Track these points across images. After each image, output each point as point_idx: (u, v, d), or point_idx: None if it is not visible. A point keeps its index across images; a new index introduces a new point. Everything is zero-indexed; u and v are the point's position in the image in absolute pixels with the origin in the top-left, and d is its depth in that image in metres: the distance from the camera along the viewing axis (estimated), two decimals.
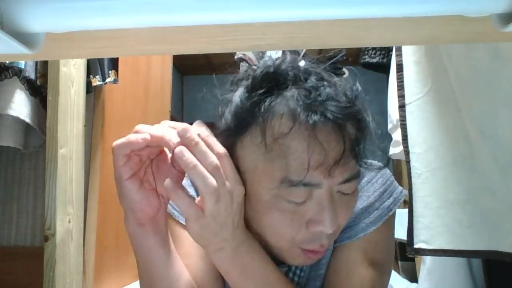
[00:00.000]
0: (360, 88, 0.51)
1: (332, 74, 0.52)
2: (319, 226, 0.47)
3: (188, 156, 0.45)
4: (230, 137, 0.49)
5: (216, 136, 0.48)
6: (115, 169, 0.48)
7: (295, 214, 0.47)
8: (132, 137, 0.46)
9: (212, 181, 0.44)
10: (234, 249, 0.49)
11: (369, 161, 0.53)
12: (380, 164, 0.58)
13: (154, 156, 0.51)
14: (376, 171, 0.60)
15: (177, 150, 0.45)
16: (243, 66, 0.55)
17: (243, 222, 0.50)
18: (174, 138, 0.46)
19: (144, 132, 0.46)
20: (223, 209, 0.45)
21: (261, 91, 0.48)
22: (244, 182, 0.48)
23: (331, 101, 0.46)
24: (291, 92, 0.47)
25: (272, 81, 0.48)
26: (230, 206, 0.46)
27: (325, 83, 0.48)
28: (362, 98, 0.51)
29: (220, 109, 0.53)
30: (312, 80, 0.48)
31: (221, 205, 0.45)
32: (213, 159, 0.45)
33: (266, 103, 0.47)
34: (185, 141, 0.45)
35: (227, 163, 0.46)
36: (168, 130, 0.47)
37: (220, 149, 0.46)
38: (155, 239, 0.51)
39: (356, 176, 0.48)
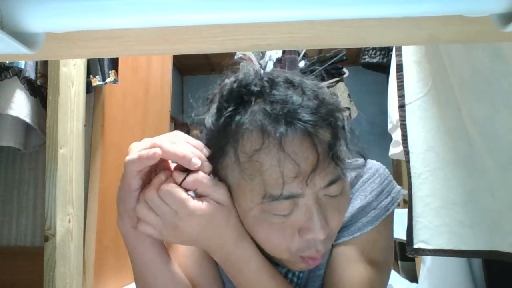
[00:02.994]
0: (326, 88, 0.51)
1: (302, 75, 0.51)
2: (310, 233, 0.47)
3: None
4: (213, 157, 0.49)
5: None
6: (125, 180, 0.47)
7: (285, 225, 0.47)
8: (144, 154, 0.45)
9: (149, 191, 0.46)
10: (229, 253, 0.50)
11: (349, 161, 0.52)
12: (362, 161, 0.58)
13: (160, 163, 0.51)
14: (357, 169, 0.59)
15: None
16: (243, 67, 0.55)
17: (238, 228, 0.50)
18: (196, 161, 0.46)
19: (158, 147, 0.46)
20: (185, 224, 0.47)
21: (229, 110, 0.47)
22: (232, 199, 0.49)
23: (299, 109, 0.45)
24: (257, 107, 0.46)
25: (237, 98, 0.48)
26: (222, 207, 0.48)
27: (290, 91, 0.47)
28: (332, 97, 0.50)
29: (197, 128, 0.53)
30: (279, 90, 0.47)
31: (211, 208, 0.47)
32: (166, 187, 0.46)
33: (235, 122, 0.46)
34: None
35: (205, 181, 0.47)
36: (187, 148, 0.47)
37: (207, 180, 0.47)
38: (149, 242, 0.51)
39: (338, 178, 0.48)
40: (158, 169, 0.50)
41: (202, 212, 0.46)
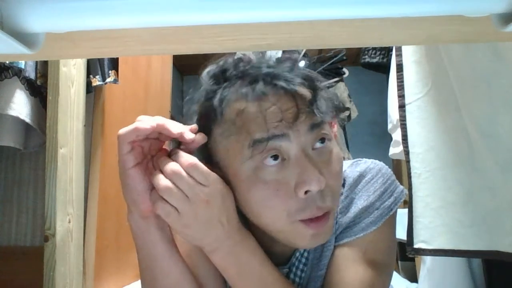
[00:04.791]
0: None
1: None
2: (305, 185, 0.47)
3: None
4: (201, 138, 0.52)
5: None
6: (119, 157, 0.49)
7: (279, 183, 0.48)
8: (138, 124, 0.48)
9: (163, 181, 0.46)
10: (230, 249, 0.49)
11: (350, 161, 0.55)
12: (364, 160, 0.61)
13: (155, 152, 0.51)
14: (362, 164, 0.61)
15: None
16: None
17: (237, 222, 0.50)
18: (176, 128, 0.49)
19: (147, 121, 0.49)
20: (200, 210, 0.46)
21: (213, 88, 0.52)
22: (224, 172, 0.50)
23: (276, 70, 0.50)
24: (240, 80, 0.51)
25: (219, 78, 0.53)
26: (208, 207, 0.47)
27: (271, 64, 0.52)
28: (308, 66, 0.54)
29: (187, 114, 0.56)
30: (257, 64, 0.52)
31: (195, 206, 0.46)
32: (170, 166, 0.47)
33: (218, 97, 0.50)
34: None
35: (199, 169, 0.47)
36: (169, 121, 0.50)
37: (187, 159, 0.48)
38: (158, 234, 0.51)
39: (321, 123, 0.50)
40: (152, 151, 0.51)
41: (221, 183, 0.48)
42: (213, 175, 0.48)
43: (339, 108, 0.55)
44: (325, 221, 0.49)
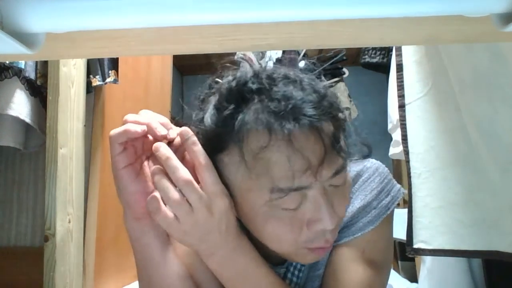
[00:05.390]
0: (325, 81, 0.52)
1: (298, 70, 0.52)
2: (319, 224, 0.47)
3: (156, 170, 0.47)
4: (210, 151, 0.48)
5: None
6: (111, 158, 0.49)
7: (293, 219, 0.47)
8: (128, 126, 0.47)
9: (174, 195, 0.45)
10: (226, 255, 0.49)
11: (352, 158, 0.53)
12: (363, 153, 0.59)
13: (150, 153, 0.51)
14: (361, 160, 0.60)
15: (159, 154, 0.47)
16: (243, 67, 0.55)
17: (235, 228, 0.50)
18: (163, 130, 0.48)
19: (131, 121, 0.48)
20: (202, 220, 0.45)
21: (230, 108, 0.47)
22: (232, 195, 0.48)
23: (302, 104, 0.45)
24: (260, 105, 0.46)
25: (237, 96, 0.47)
26: (210, 217, 0.46)
27: (290, 87, 0.47)
28: (327, 88, 0.50)
29: (191, 126, 0.52)
30: (279, 86, 0.47)
31: (198, 217, 0.45)
32: (183, 174, 0.45)
33: (238, 121, 0.46)
34: (156, 155, 0.47)
35: (207, 175, 0.46)
36: (157, 122, 0.49)
37: (202, 159, 0.46)
38: (153, 234, 0.51)
39: (343, 168, 0.48)
40: (146, 151, 0.51)
41: (209, 202, 0.46)
42: (221, 186, 0.47)
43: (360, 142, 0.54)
44: (329, 247, 0.51)
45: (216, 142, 0.48)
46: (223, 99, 0.48)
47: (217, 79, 0.54)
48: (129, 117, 0.49)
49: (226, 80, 0.50)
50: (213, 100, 0.50)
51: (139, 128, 0.47)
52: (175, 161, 0.46)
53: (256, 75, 0.49)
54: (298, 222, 0.47)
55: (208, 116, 0.50)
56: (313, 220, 0.47)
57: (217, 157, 0.48)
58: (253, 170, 0.46)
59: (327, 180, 0.47)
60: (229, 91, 0.48)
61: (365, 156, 0.57)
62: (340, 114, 0.49)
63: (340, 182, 0.49)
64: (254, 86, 0.47)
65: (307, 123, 0.44)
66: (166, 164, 0.46)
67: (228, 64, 0.55)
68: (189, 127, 0.49)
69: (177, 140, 0.49)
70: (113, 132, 0.48)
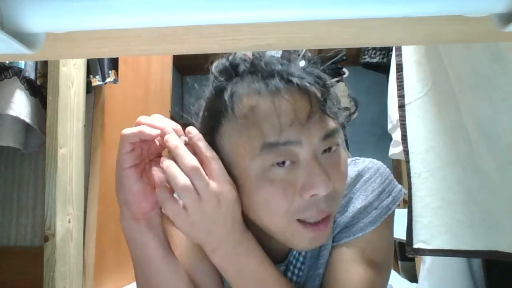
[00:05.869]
0: (314, 57, 0.54)
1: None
2: (312, 189, 0.46)
3: (165, 160, 0.48)
4: (209, 132, 0.51)
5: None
6: (118, 156, 0.49)
7: (286, 183, 0.47)
8: (144, 128, 0.48)
9: (182, 180, 0.45)
10: (231, 249, 0.49)
11: (349, 160, 0.55)
12: (363, 159, 0.61)
13: (154, 157, 0.52)
14: (362, 159, 0.62)
15: (168, 144, 0.48)
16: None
17: (240, 223, 0.50)
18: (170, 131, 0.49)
19: (145, 123, 0.49)
20: (209, 210, 0.46)
21: (222, 81, 0.51)
22: (229, 169, 0.49)
23: (290, 67, 0.50)
24: (251, 75, 0.50)
25: (230, 71, 0.52)
26: (218, 207, 0.46)
27: (281, 59, 0.52)
28: (317, 67, 0.54)
29: (194, 112, 0.56)
30: (271, 61, 0.51)
31: (206, 206, 0.46)
32: (190, 161, 0.46)
33: (229, 88, 0.50)
34: (167, 145, 0.48)
35: (214, 165, 0.47)
36: (171, 129, 0.50)
37: (208, 152, 0.48)
38: (150, 235, 0.51)
39: (334, 131, 0.49)
40: (150, 155, 0.52)
41: (218, 191, 0.47)
42: (228, 177, 0.48)
43: (348, 110, 0.55)
44: (324, 225, 0.49)
45: (213, 116, 0.51)
46: (217, 76, 0.52)
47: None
48: (143, 119, 0.50)
49: (220, 60, 0.54)
50: (211, 82, 0.54)
51: (154, 132, 0.48)
52: (182, 149, 0.47)
53: (247, 54, 0.52)
54: (291, 187, 0.47)
55: (206, 95, 0.53)
56: (306, 185, 0.47)
57: (216, 132, 0.51)
58: (244, 127, 0.48)
59: (318, 143, 0.48)
60: (223, 67, 0.52)
61: (353, 113, 0.58)
62: (328, 84, 0.52)
63: (331, 145, 0.49)
64: (246, 63, 0.51)
65: (294, 82, 0.47)
66: (175, 152, 0.47)
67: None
68: (189, 120, 0.51)
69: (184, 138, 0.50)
70: (127, 131, 0.48)
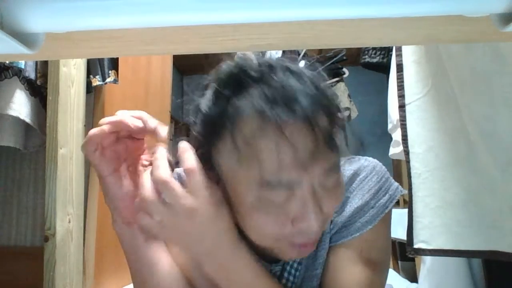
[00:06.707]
0: (325, 76, 0.50)
1: (297, 64, 0.50)
2: (304, 222, 0.45)
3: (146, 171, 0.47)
4: (204, 145, 0.48)
5: (190, 143, 0.48)
6: (94, 167, 0.49)
7: (279, 213, 0.46)
8: (91, 131, 0.47)
9: (147, 192, 0.45)
10: (221, 261, 0.48)
11: (346, 158, 0.52)
12: (358, 158, 0.58)
13: (138, 153, 0.52)
14: (357, 158, 0.59)
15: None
16: (246, 54, 0.55)
17: (229, 235, 0.48)
18: (133, 121, 0.48)
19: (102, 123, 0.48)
20: (181, 225, 0.45)
21: (226, 93, 0.46)
22: (225, 186, 0.48)
23: (298, 95, 0.44)
24: (256, 91, 0.45)
25: (235, 81, 0.46)
26: (191, 223, 0.45)
27: (289, 78, 0.46)
28: (329, 87, 0.49)
29: (190, 115, 0.52)
30: (278, 75, 0.46)
31: (177, 221, 0.44)
32: (161, 173, 0.44)
33: (232, 106, 0.45)
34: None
35: (193, 178, 0.45)
36: (128, 116, 0.49)
37: (189, 164, 0.45)
38: (144, 237, 0.51)
39: (335, 168, 0.47)
40: (132, 153, 0.51)
41: (191, 205, 0.44)
42: (204, 186, 0.45)
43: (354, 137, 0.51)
44: (312, 246, 0.49)
45: (212, 128, 0.47)
46: (221, 83, 0.47)
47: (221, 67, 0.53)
48: (101, 121, 0.49)
49: (227, 65, 0.49)
50: (212, 86, 0.49)
51: (98, 131, 0.47)
52: (159, 161, 0.45)
53: (258, 63, 0.48)
54: (283, 217, 0.46)
55: (205, 101, 0.49)
56: (298, 217, 0.46)
57: (213, 146, 0.48)
58: (243, 157, 0.45)
59: (318, 178, 0.46)
60: (228, 76, 0.47)
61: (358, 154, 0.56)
62: (337, 112, 0.48)
63: (331, 183, 0.47)
64: (254, 73, 0.46)
65: (300, 113, 0.43)
66: (153, 163, 0.46)
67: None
68: (187, 119, 0.49)
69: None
70: (82, 144, 0.48)
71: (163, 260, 0.53)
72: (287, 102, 0.44)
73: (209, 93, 0.49)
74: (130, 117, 0.49)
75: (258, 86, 0.45)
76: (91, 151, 0.47)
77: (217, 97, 0.47)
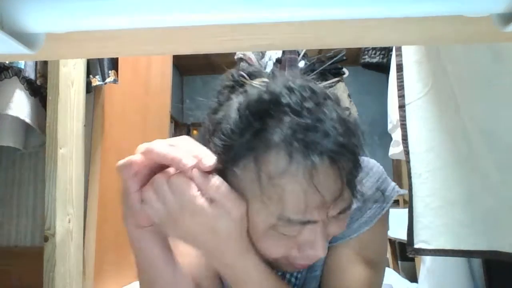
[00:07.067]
0: (356, 114, 0.50)
1: (299, 71, 0.50)
2: (311, 250, 0.47)
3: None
4: (224, 162, 0.46)
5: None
6: (123, 182, 0.47)
7: (289, 241, 0.48)
8: (133, 158, 0.46)
9: (146, 193, 0.46)
10: (228, 261, 0.48)
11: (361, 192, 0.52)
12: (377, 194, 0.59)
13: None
14: (368, 201, 0.59)
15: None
16: (243, 66, 0.54)
17: (245, 241, 0.48)
18: (190, 161, 0.44)
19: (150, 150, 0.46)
20: (183, 223, 0.45)
21: (256, 122, 0.44)
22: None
23: (329, 137, 0.43)
24: (287, 128, 0.43)
25: (266, 111, 0.44)
26: (190, 221, 0.45)
27: (319, 114, 0.44)
28: (353, 117, 0.49)
29: (206, 120, 0.51)
30: (309, 108, 0.44)
31: (179, 217, 0.45)
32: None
33: (260, 138, 0.44)
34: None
35: (221, 191, 0.44)
36: (182, 151, 0.45)
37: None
38: (154, 238, 0.51)
39: (350, 206, 0.48)
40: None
41: (206, 215, 0.44)
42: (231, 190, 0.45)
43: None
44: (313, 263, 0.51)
45: (233, 151, 0.45)
46: (250, 111, 0.45)
47: (242, 73, 0.52)
48: (144, 146, 0.46)
49: (257, 90, 0.47)
50: (236, 101, 0.47)
51: (191, 162, 0.44)
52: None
53: (288, 88, 0.46)
54: (292, 244, 0.48)
55: (229, 119, 0.46)
56: (306, 244, 0.47)
57: (230, 168, 0.46)
58: (266, 192, 0.44)
59: (333, 214, 0.47)
60: (259, 103, 0.45)
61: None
62: (359, 148, 0.47)
63: (343, 216, 0.48)
64: (286, 103, 0.44)
65: (329, 158, 0.43)
66: (192, 175, 0.45)
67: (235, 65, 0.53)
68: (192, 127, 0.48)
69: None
70: (120, 164, 0.46)
71: (172, 262, 0.53)
72: (316, 144, 0.43)
73: (233, 110, 0.46)
74: (187, 157, 0.45)
75: (289, 121, 0.44)
76: (129, 173, 0.46)
77: (243, 121, 0.45)
